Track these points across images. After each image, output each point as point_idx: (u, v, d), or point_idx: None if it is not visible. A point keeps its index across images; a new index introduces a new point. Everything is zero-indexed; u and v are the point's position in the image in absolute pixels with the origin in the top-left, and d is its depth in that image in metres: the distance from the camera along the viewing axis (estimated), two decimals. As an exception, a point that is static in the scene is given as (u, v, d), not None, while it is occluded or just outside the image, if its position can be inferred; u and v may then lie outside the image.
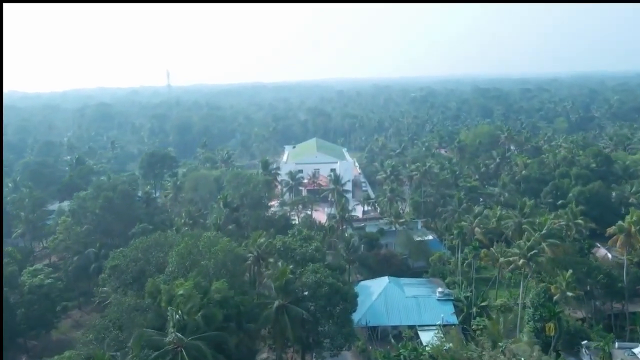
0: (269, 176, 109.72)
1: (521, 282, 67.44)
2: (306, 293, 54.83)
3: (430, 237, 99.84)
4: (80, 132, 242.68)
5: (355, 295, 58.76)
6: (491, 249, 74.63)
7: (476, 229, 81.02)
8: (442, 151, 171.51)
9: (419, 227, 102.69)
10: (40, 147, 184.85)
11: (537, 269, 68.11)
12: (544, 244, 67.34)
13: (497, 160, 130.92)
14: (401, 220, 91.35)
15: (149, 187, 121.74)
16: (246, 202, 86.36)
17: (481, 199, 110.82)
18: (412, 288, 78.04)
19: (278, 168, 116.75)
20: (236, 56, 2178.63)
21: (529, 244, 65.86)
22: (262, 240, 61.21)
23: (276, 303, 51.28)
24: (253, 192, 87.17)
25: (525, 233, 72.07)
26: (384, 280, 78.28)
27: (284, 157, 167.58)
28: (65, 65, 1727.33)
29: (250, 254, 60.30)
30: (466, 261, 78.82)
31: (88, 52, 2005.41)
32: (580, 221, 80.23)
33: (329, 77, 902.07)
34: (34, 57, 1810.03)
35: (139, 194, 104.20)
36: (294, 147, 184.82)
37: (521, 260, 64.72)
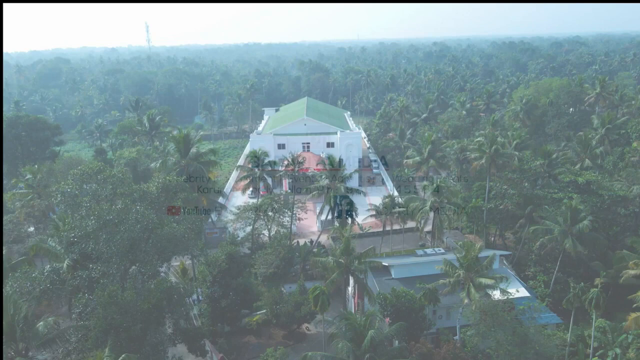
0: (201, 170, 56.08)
1: None
2: None
3: (526, 292, 49.96)
4: (8, 91, 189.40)
5: None
6: None
7: None
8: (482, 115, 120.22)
9: (496, 265, 52.38)
10: None
11: None
12: None
13: (602, 131, 79.42)
14: (486, 286, 40.15)
15: (14, 180, 69.56)
16: (112, 249, 34.67)
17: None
18: None
19: (213, 152, 61.05)
20: (231, 15, 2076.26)
21: None
22: None
23: None
24: (135, 227, 34.75)
25: None
26: None
27: (261, 126, 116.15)
28: (55, 25, 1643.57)
29: None
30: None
31: (80, 11, 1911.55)
32: None
33: (328, 38, 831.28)
34: (18, 15, 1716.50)
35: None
36: (276, 111, 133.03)
37: None
